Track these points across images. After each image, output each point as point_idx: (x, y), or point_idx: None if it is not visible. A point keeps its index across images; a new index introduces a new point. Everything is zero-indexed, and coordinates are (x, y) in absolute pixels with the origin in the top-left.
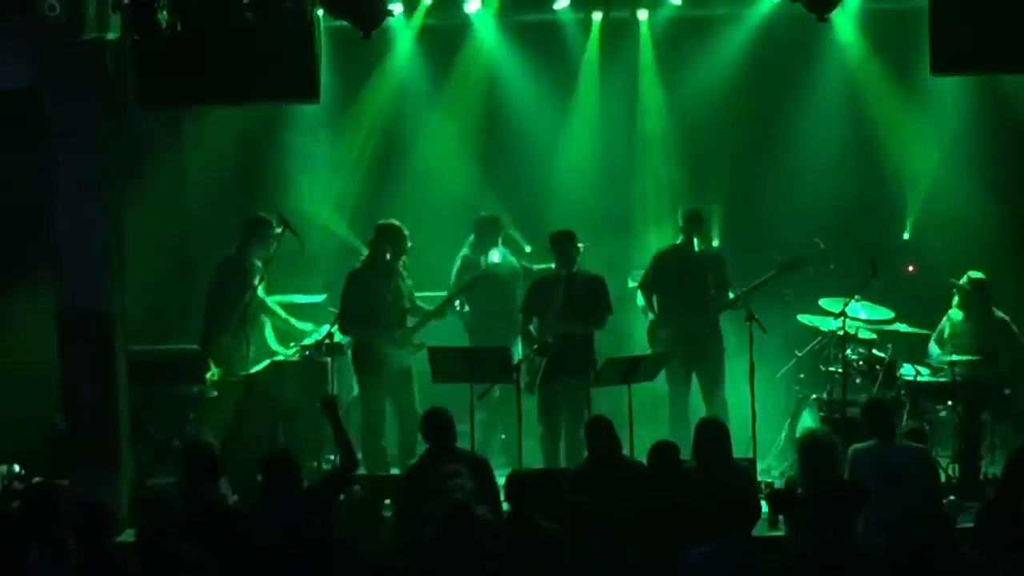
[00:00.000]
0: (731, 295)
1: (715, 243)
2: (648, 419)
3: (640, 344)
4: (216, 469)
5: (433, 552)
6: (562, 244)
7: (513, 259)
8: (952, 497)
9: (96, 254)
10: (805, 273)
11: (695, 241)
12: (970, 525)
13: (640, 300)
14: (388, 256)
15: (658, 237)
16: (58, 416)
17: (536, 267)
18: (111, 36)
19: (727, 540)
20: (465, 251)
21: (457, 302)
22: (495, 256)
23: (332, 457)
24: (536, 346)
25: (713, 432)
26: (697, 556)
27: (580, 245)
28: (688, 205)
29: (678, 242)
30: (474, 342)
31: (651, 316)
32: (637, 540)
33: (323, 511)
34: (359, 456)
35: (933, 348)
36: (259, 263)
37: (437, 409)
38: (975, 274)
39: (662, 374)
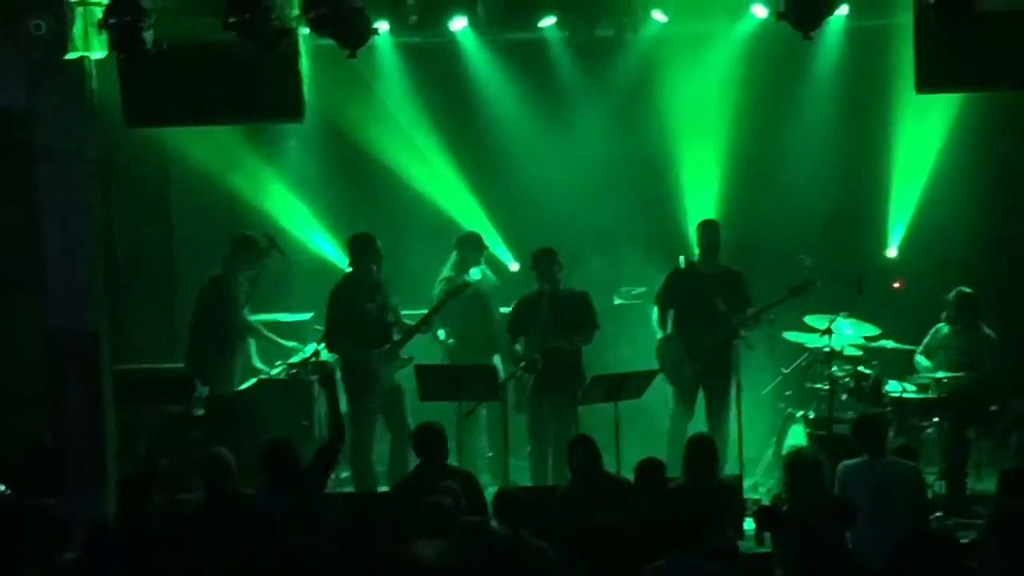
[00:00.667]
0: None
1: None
2: (635, 436)
3: (625, 362)
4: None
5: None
6: (543, 262)
7: (494, 277)
8: (939, 514)
9: (82, 273)
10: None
11: (710, 256)
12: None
13: (654, 316)
14: (371, 270)
15: (645, 255)
16: (44, 435)
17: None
18: (97, 55)
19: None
20: (448, 273)
21: (443, 333)
22: (476, 274)
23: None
24: (523, 363)
25: (701, 448)
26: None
27: (561, 262)
28: (704, 218)
29: (695, 259)
30: (452, 360)
31: (660, 333)
32: (624, 555)
33: (318, 490)
34: (349, 474)
35: (921, 360)
36: (245, 282)
37: (430, 424)
38: (965, 289)
39: (648, 391)
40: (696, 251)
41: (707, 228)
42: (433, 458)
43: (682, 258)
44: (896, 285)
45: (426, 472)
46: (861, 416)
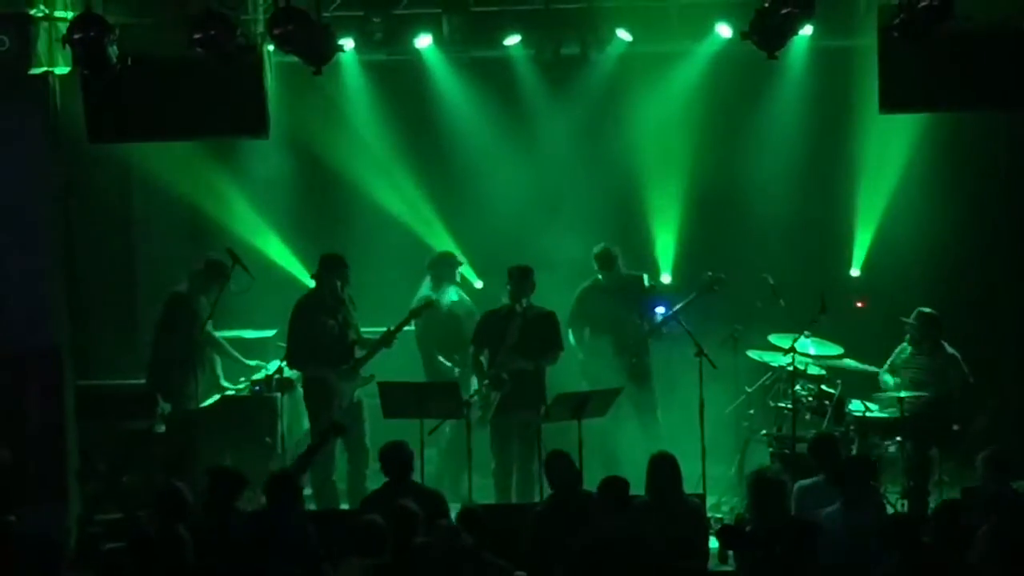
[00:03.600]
0: (658, 318)
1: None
2: (598, 454)
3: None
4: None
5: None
6: (520, 278)
7: (468, 300)
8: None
9: (45, 289)
10: (754, 308)
11: (614, 273)
12: None
13: (571, 337)
14: (335, 288)
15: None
16: (4, 450)
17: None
18: (60, 71)
19: None
20: (426, 292)
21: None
22: (453, 295)
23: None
24: (487, 382)
25: (665, 467)
26: None
27: (534, 281)
28: (600, 244)
29: (599, 277)
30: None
31: (581, 352)
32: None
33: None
34: (310, 491)
35: (886, 377)
36: (208, 299)
37: (398, 443)
38: (926, 310)
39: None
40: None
41: (604, 258)
42: (399, 475)
43: (646, 276)
44: (859, 304)
45: (391, 490)
46: (817, 435)
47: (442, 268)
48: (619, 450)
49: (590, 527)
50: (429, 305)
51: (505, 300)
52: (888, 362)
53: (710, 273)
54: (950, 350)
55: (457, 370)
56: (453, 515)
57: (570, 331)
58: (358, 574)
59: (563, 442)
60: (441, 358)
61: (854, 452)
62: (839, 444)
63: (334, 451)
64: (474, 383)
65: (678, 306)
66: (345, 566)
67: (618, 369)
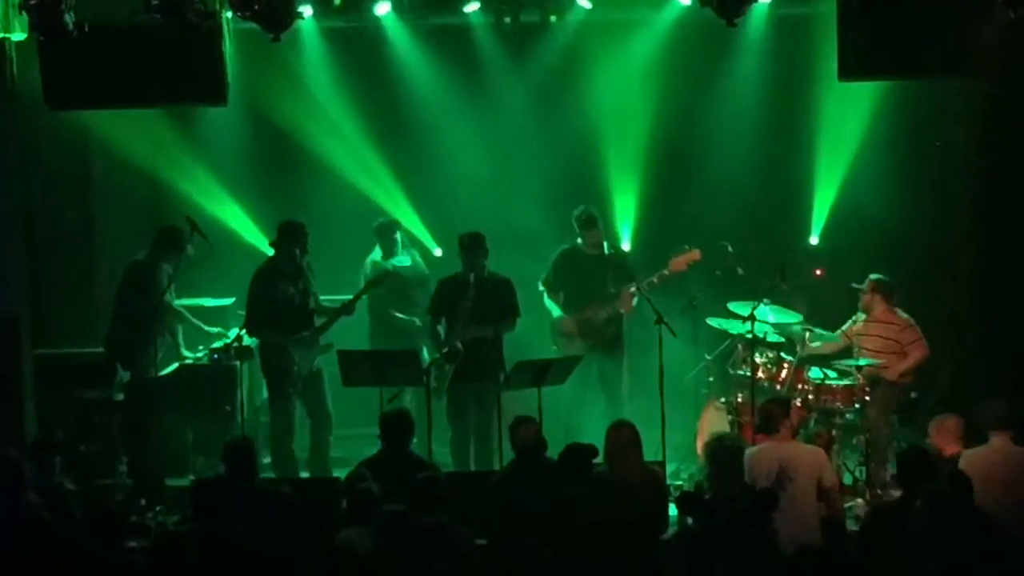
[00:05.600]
0: (632, 289)
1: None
2: (558, 420)
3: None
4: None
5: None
6: (471, 246)
7: (422, 263)
8: (859, 500)
9: (4, 258)
10: (713, 277)
11: (594, 239)
12: None
13: (546, 299)
14: (294, 256)
15: (566, 240)
16: None
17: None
18: (17, 37)
19: None
20: (375, 257)
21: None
22: (406, 260)
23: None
24: (445, 351)
25: (624, 435)
26: None
27: (487, 248)
28: (583, 207)
29: (578, 242)
30: (377, 346)
31: (555, 314)
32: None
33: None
34: (268, 460)
35: (820, 332)
36: (167, 267)
37: (397, 411)
38: (876, 276)
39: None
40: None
41: (586, 220)
42: (395, 446)
43: (606, 244)
44: (818, 272)
45: (389, 458)
46: (765, 401)
47: (380, 237)
48: (581, 418)
49: (551, 493)
50: (388, 274)
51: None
52: (841, 329)
53: (685, 246)
54: (904, 315)
55: (417, 320)
56: None
57: (545, 295)
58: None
59: (523, 409)
60: (400, 315)
61: (813, 420)
62: (785, 408)
63: (294, 420)
64: (426, 355)
65: (649, 278)
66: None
67: (591, 337)
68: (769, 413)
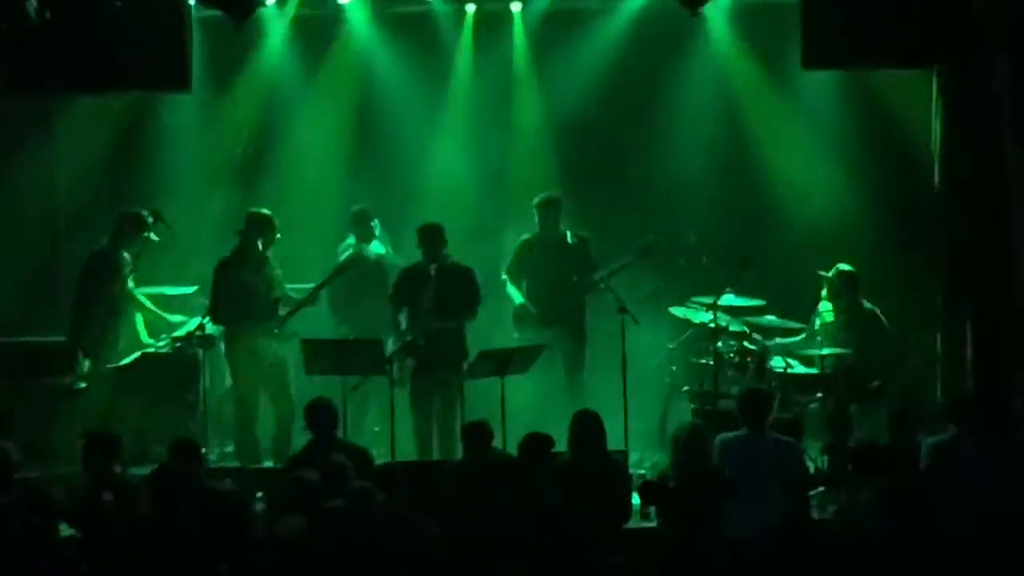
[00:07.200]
0: (595, 279)
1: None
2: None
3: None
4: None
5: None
6: (429, 237)
7: (393, 254)
8: (821, 488)
9: None
10: (677, 266)
11: (556, 228)
12: None
13: (509, 287)
14: (258, 245)
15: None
16: None
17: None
18: None
19: None
20: (349, 242)
21: (345, 327)
22: (379, 248)
23: (204, 450)
24: (406, 343)
25: (588, 424)
26: None
27: (446, 239)
28: (544, 194)
29: (539, 230)
30: (346, 333)
31: (517, 301)
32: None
33: None
34: (232, 449)
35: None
36: (129, 256)
37: (322, 400)
38: (843, 266)
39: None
40: (541, 227)
41: (546, 207)
42: (324, 434)
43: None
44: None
45: (317, 448)
46: (748, 389)
47: (356, 225)
48: (543, 407)
49: (510, 484)
50: (356, 261)
51: None
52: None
53: (649, 236)
54: (868, 306)
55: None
56: None
57: (507, 283)
58: (295, 528)
59: (486, 397)
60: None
61: (776, 409)
62: (767, 400)
63: (256, 409)
64: (391, 344)
65: (612, 267)
66: (284, 522)
67: (553, 326)
68: (751, 405)
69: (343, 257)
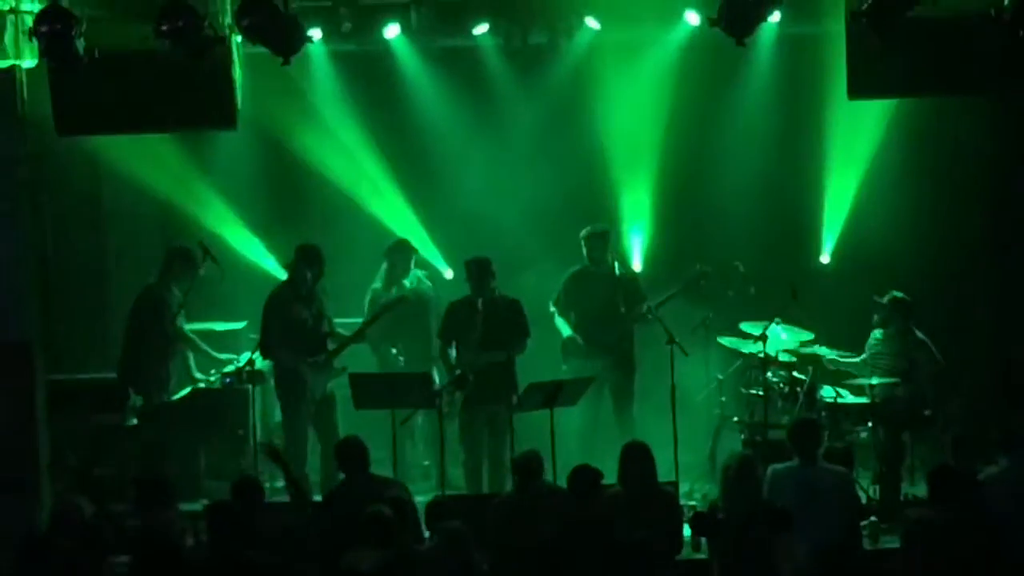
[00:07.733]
0: (643, 310)
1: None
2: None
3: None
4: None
5: None
6: (477, 271)
7: (428, 284)
8: (873, 519)
9: (16, 283)
10: (725, 297)
11: (604, 260)
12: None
13: (557, 320)
14: (308, 278)
15: (576, 261)
16: None
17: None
18: (28, 64)
19: None
20: (376, 285)
21: (394, 350)
22: (412, 282)
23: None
24: (455, 378)
25: (638, 455)
26: None
27: (495, 271)
28: (592, 226)
29: (587, 262)
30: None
31: (565, 334)
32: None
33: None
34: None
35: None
36: (179, 292)
37: (349, 439)
38: (897, 293)
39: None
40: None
41: (594, 239)
42: (356, 470)
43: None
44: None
45: (351, 485)
46: (800, 419)
47: (396, 255)
48: (593, 439)
49: (557, 515)
50: (402, 300)
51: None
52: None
53: (698, 266)
54: (920, 335)
55: (402, 359)
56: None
57: (556, 315)
58: (369, 563)
59: (536, 431)
60: (395, 351)
61: (826, 439)
62: (818, 429)
63: (307, 443)
64: (437, 377)
65: (660, 298)
66: (354, 556)
67: (602, 357)
68: (803, 436)
69: (369, 292)
